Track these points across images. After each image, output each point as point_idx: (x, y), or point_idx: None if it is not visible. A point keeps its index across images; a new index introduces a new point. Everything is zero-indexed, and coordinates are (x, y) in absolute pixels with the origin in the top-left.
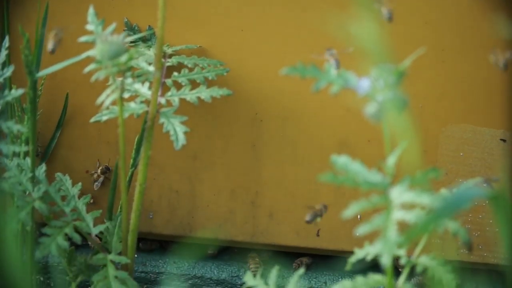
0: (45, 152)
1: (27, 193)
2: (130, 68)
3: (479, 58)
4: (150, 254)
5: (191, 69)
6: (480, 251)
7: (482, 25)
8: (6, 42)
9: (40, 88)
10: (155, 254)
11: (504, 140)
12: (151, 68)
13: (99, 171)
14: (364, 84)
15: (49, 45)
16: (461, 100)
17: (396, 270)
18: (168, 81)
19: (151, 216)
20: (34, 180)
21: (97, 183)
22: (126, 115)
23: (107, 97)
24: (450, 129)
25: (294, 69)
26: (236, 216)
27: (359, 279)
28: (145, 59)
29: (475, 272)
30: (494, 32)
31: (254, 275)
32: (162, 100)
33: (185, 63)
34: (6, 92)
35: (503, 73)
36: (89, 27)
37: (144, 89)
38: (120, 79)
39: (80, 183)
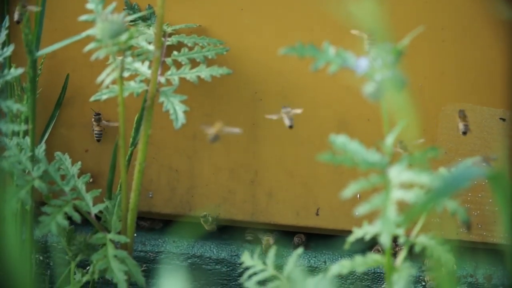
0: (44, 131)
1: (27, 172)
2: (130, 47)
3: (479, 37)
4: (150, 233)
5: (191, 48)
6: (479, 230)
7: (482, 4)
8: (6, 22)
9: (40, 68)
10: (155, 233)
11: (503, 119)
12: (151, 47)
13: (94, 123)
14: (362, 63)
15: (15, 15)
16: (461, 79)
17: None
18: (168, 60)
19: (150, 195)
20: (33, 159)
21: (98, 133)
22: (126, 94)
23: (107, 76)
24: (449, 108)
25: (293, 48)
26: (235, 195)
27: (358, 258)
28: (145, 38)
29: (474, 252)
30: (494, 11)
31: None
32: (162, 79)
33: (185, 42)
34: (6, 71)
35: (503, 52)
36: (89, 5)
37: (144, 68)
38: (120, 58)
39: (79, 162)
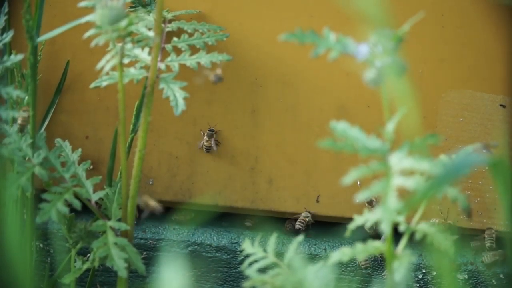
0: (45, 117)
1: (27, 159)
2: (130, 33)
3: (479, 24)
4: (150, 221)
5: (190, 35)
6: (479, 218)
7: None
8: (6, 8)
9: (39, 54)
10: (155, 220)
11: (503, 106)
12: (151, 34)
13: (205, 137)
14: (362, 49)
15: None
16: (461, 65)
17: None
18: (168, 47)
19: (151, 182)
20: (34, 146)
21: (212, 147)
22: (125, 80)
23: (107, 63)
24: (449, 94)
25: (293, 35)
26: (235, 182)
27: (359, 245)
28: (145, 24)
29: (474, 239)
30: None
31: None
32: (162, 66)
33: (185, 28)
34: (6, 57)
35: (504, 38)
36: None
37: (144, 55)
38: (120, 44)
39: (80, 149)
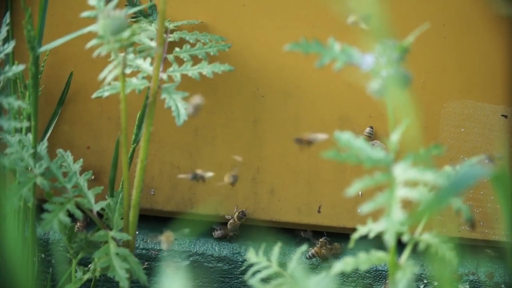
0: (47, 128)
1: (29, 169)
2: (132, 44)
3: (480, 34)
4: (152, 231)
5: (192, 45)
6: (481, 228)
7: (483, 1)
8: (7, 18)
9: (42, 64)
10: (156, 231)
11: (505, 116)
12: (153, 44)
13: (235, 216)
14: (368, 60)
15: None
16: (463, 75)
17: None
18: (170, 57)
19: (152, 193)
20: (36, 156)
21: (232, 231)
22: (128, 90)
23: (109, 73)
24: (451, 105)
25: (298, 45)
26: (237, 192)
27: (362, 256)
28: (147, 35)
29: (476, 249)
30: (495, 8)
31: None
32: (164, 76)
33: (187, 38)
34: (8, 67)
35: (505, 49)
36: (91, 2)
37: (146, 65)
38: (122, 54)
39: (81, 159)
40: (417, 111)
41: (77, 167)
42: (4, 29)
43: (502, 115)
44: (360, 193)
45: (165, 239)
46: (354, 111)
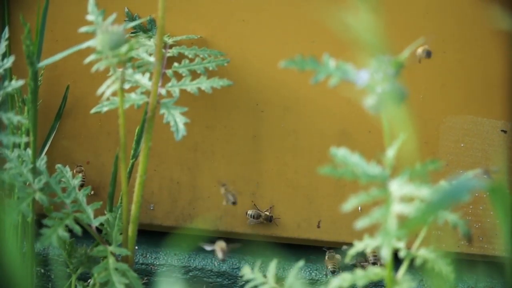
0: (45, 142)
1: (28, 184)
2: (131, 59)
3: (480, 49)
4: (151, 246)
5: (191, 60)
6: (480, 243)
7: (483, 16)
8: (6, 33)
9: (40, 79)
10: (156, 245)
11: (504, 131)
12: (152, 59)
13: (263, 215)
14: (363, 76)
15: None
16: (462, 91)
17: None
18: (169, 72)
19: (152, 208)
20: (35, 171)
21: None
22: (126, 106)
23: (107, 88)
24: (450, 120)
25: (293, 62)
26: (236, 207)
27: (359, 271)
28: (146, 50)
29: (475, 264)
30: (495, 23)
31: (333, 274)
32: (163, 91)
33: (186, 53)
34: (7, 83)
35: (504, 64)
36: (90, 17)
37: (144, 80)
38: (120, 69)
39: (80, 175)
40: (416, 126)
41: (76, 182)
42: (3, 44)
43: (502, 130)
44: (359, 208)
45: (219, 249)
46: (354, 127)
